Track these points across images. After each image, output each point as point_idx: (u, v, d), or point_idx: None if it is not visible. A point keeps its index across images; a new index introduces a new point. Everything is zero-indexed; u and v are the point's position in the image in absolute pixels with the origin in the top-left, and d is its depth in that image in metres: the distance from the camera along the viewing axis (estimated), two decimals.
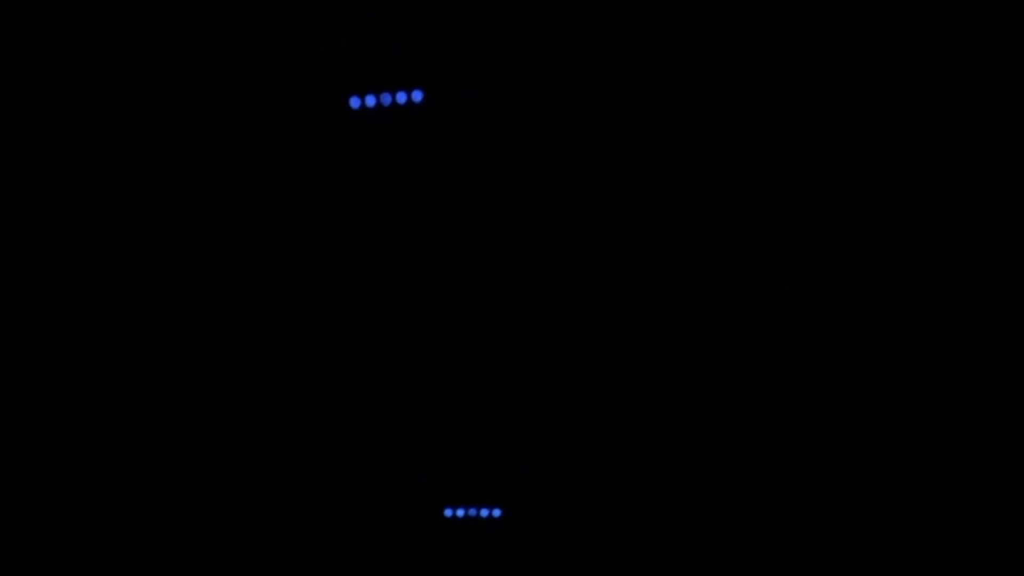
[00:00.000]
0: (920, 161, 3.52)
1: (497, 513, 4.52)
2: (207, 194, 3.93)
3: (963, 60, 3.47)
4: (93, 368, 3.75)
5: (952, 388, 3.43)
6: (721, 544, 4.21)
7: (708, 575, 4.22)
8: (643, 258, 4.34)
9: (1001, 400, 3.38)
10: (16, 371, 3.68)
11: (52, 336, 3.73)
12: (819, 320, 3.56)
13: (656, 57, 4.32)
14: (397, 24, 4.65)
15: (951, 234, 3.48)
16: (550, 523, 4.43)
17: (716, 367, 4.23)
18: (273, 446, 4.67)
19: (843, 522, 3.46)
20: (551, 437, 4.45)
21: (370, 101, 4.69)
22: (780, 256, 4.14)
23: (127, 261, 3.80)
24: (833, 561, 3.44)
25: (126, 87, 3.84)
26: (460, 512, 4.55)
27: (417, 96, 4.66)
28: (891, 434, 3.47)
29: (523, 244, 4.52)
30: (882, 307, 3.52)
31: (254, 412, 4.65)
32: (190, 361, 3.83)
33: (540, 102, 4.51)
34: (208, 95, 3.94)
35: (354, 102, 4.70)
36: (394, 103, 4.66)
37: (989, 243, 3.43)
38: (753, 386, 4.15)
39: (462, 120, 4.63)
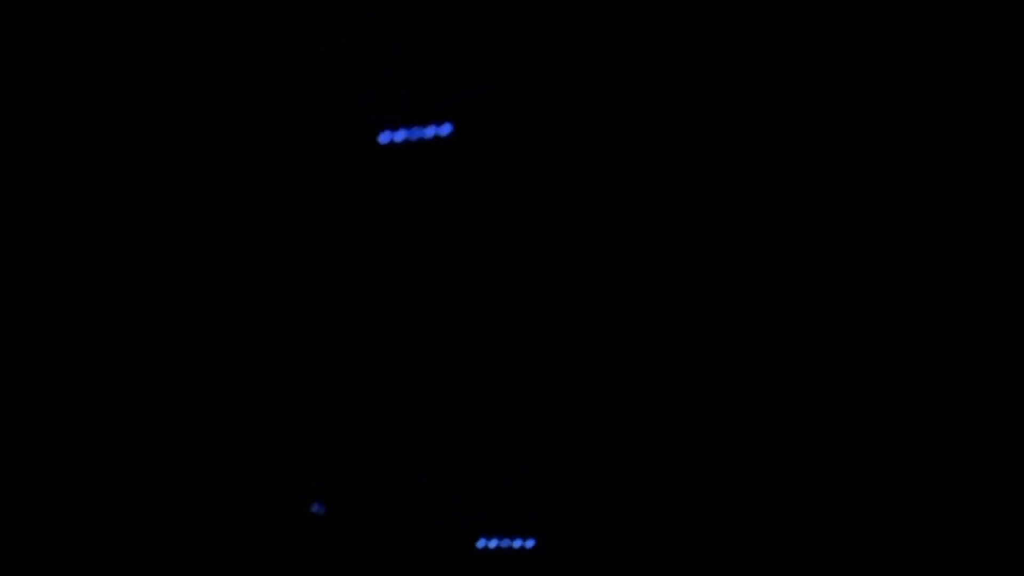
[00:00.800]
0: (920, 162, 3.52)
1: (530, 544, 4.50)
2: (207, 196, 3.93)
3: (963, 60, 3.47)
4: (93, 368, 3.76)
5: (952, 387, 3.43)
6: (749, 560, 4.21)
7: None
8: (676, 279, 4.32)
9: (1001, 400, 3.38)
10: (16, 371, 3.69)
11: (52, 336, 3.73)
12: (820, 320, 3.57)
13: (683, 68, 4.31)
14: (400, 25, 4.66)
15: (951, 234, 3.48)
16: (583, 552, 4.41)
17: (735, 379, 4.23)
18: (284, 471, 4.67)
19: (850, 524, 3.47)
20: (581, 459, 4.44)
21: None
22: (781, 256, 4.15)
23: (127, 262, 3.81)
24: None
25: (126, 89, 3.84)
26: (493, 543, 4.53)
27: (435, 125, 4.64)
28: (892, 434, 3.47)
29: (537, 258, 4.50)
30: (883, 307, 3.52)
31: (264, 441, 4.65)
32: (192, 365, 3.83)
33: (540, 98, 4.51)
34: (208, 96, 3.94)
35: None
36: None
37: (989, 243, 3.43)
38: (778, 396, 4.15)
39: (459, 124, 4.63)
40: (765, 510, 4.25)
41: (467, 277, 4.69)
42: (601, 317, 4.49)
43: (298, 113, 4.85)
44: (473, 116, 4.63)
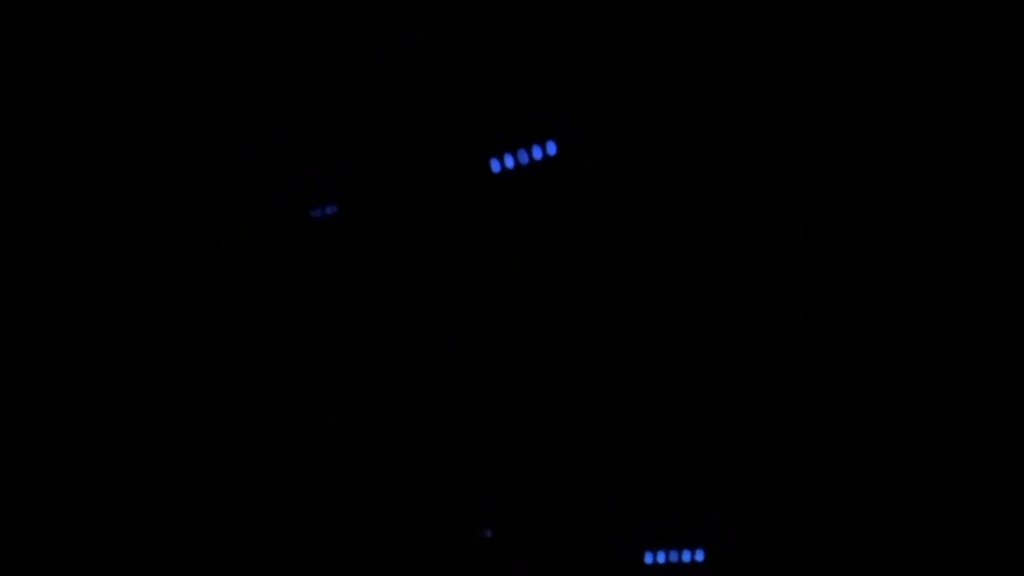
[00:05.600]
0: (920, 161, 3.52)
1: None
2: (207, 197, 3.93)
3: (963, 60, 3.48)
4: (94, 369, 3.75)
5: (951, 383, 3.43)
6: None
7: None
8: (681, 278, 4.31)
9: (1000, 398, 3.38)
10: (17, 371, 3.68)
11: (53, 337, 3.73)
12: (820, 318, 3.57)
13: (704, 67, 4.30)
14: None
15: (951, 233, 3.48)
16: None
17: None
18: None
19: (846, 520, 3.47)
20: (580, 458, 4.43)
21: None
22: (781, 255, 4.15)
23: (128, 262, 3.80)
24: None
25: (127, 88, 3.84)
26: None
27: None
28: (890, 431, 3.48)
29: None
30: (882, 304, 3.52)
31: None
32: (193, 364, 3.83)
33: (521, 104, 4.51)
34: (208, 96, 3.94)
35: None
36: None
37: (989, 242, 3.43)
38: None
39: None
40: (767, 505, 4.25)
41: (466, 275, 4.69)
42: (607, 316, 4.49)
43: (298, 113, 4.85)
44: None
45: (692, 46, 4.32)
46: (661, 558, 4.40)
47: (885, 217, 3.53)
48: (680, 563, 4.37)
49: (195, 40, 3.89)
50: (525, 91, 4.50)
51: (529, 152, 4.49)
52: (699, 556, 4.34)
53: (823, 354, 3.56)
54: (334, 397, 4.85)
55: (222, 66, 4.01)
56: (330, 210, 4.71)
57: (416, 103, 4.66)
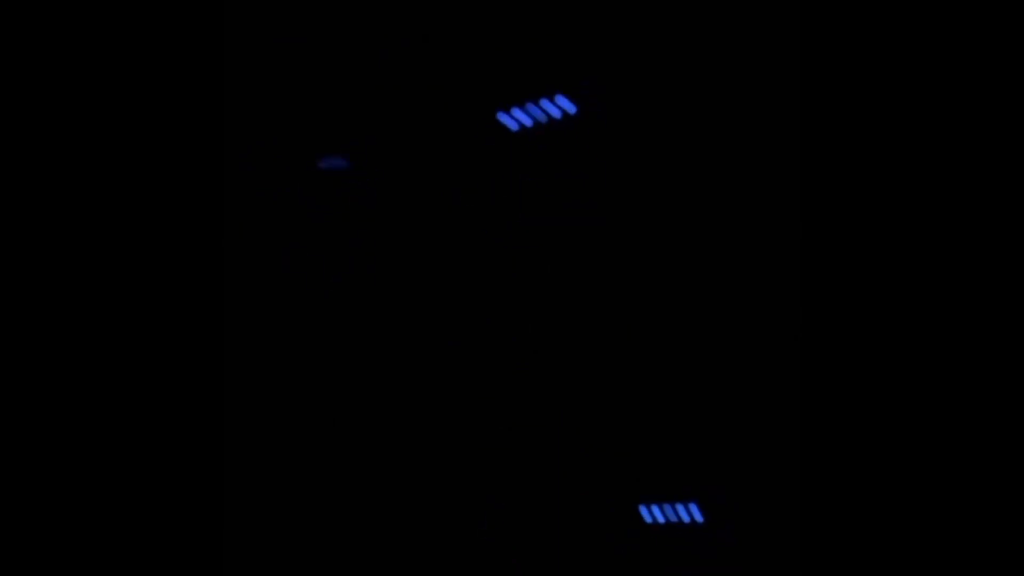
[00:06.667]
0: (919, 161, 3.52)
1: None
2: (207, 196, 3.93)
3: (963, 60, 3.48)
4: (94, 367, 3.75)
5: (951, 380, 3.43)
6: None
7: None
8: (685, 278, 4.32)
9: (999, 394, 3.38)
10: (17, 369, 3.68)
11: (54, 335, 3.73)
12: (820, 317, 3.57)
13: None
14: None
15: (950, 233, 3.48)
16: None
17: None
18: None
19: (845, 521, 3.47)
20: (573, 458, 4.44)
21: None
22: (781, 253, 4.15)
23: (128, 262, 3.80)
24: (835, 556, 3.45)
25: (127, 88, 3.84)
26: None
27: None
28: (889, 431, 3.48)
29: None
30: (882, 304, 3.52)
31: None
32: (193, 362, 3.82)
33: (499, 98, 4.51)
34: (208, 95, 3.94)
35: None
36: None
37: (988, 241, 3.43)
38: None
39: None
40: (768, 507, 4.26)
41: (466, 273, 4.70)
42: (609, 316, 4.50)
43: (297, 112, 4.85)
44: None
45: (691, 41, 4.33)
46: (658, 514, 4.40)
47: (884, 207, 3.53)
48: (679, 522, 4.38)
49: (195, 40, 3.89)
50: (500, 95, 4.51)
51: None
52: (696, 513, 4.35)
53: (821, 319, 3.56)
54: (334, 395, 4.86)
55: (222, 66, 4.01)
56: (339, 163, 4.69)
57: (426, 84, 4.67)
